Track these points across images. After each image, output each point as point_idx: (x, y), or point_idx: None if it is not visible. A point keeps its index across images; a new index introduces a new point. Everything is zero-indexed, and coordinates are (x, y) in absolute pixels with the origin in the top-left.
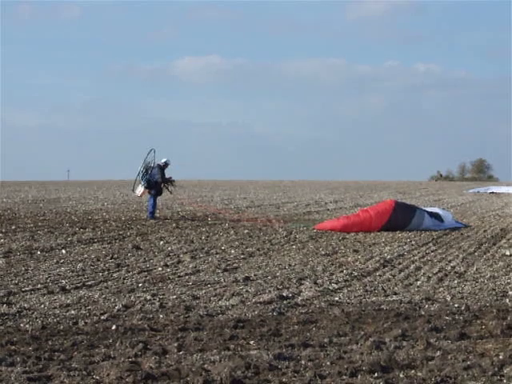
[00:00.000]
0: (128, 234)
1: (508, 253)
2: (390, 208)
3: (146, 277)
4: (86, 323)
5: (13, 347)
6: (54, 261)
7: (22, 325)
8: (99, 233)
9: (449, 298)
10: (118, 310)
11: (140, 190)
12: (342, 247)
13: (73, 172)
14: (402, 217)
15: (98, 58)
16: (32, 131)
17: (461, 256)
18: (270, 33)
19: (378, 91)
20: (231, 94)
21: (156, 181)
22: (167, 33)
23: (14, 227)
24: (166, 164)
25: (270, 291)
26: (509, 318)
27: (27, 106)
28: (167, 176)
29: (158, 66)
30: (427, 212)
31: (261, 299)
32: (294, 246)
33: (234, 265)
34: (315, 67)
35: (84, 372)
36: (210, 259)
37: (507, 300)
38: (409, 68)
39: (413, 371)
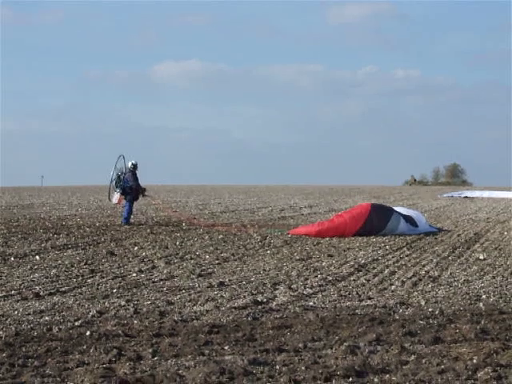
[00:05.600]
0: (102, 239)
1: (482, 257)
2: (366, 212)
3: (120, 282)
4: (59, 329)
5: None
6: (28, 267)
7: None
8: (73, 239)
9: (423, 303)
10: (92, 316)
11: (116, 197)
12: (317, 252)
13: (47, 178)
14: (376, 222)
15: (76, 63)
16: (6, 136)
17: (435, 260)
18: (250, 38)
19: (355, 97)
20: (210, 99)
21: (131, 186)
22: (147, 37)
23: None
24: (134, 166)
25: (244, 296)
26: (482, 322)
27: (2, 111)
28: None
29: (137, 71)
30: (402, 216)
31: (235, 304)
32: (268, 251)
33: (209, 270)
34: (294, 72)
35: (58, 378)
36: (184, 264)
37: (481, 304)
38: (388, 74)
39: (387, 376)
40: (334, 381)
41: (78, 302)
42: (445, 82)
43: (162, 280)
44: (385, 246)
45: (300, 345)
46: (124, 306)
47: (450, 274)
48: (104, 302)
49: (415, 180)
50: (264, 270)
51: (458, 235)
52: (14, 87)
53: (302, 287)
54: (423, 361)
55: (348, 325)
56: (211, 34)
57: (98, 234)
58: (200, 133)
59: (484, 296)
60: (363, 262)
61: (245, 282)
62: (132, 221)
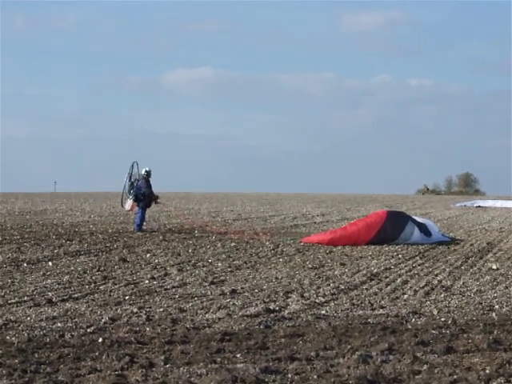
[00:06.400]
0: (115, 246)
1: (494, 267)
2: (381, 221)
3: (132, 289)
4: (72, 336)
5: None
6: (41, 273)
7: (7, 337)
8: (86, 245)
9: (435, 312)
10: (105, 323)
11: (129, 203)
12: (329, 260)
13: (60, 184)
14: (390, 231)
15: (89, 69)
16: (19, 142)
17: (447, 270)
18: (263, 45)
19: (368, 105)
20: (222, 106)
21: (143, 193)
22: (160, 44)
23: (0, 239)
24: (148, 173)
25: (256, 304)
26: (495, 332)
27: (14, 117)
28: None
29: (150, 78)
30: (417, 224)
31: (247, 312)
32: (280, 259)
33: (221, 278)
34: (306, 80)
35: None
36: (196, 272)
37: (494, 314)
38: (401, 82)
39: None
40: None
41: (90, 309)
42: (458, 91)
43: (174, 287)
44: (397, 255)
45: (312, 353)
46: (136, 313)
47: (463, 283)
48: (116, 309)
49: (428, 189)
50: (276, 278)
51: (471, 245)
52: (25, 93)
53: (315, 296)
54: (436, 371)
55: (360, 334)
56: (224, 41)
57: (111, 240)
58: (212, 139)
59: (497, 306)
60: (376, 270)
61: (257, 290)
62: (144, 228)
